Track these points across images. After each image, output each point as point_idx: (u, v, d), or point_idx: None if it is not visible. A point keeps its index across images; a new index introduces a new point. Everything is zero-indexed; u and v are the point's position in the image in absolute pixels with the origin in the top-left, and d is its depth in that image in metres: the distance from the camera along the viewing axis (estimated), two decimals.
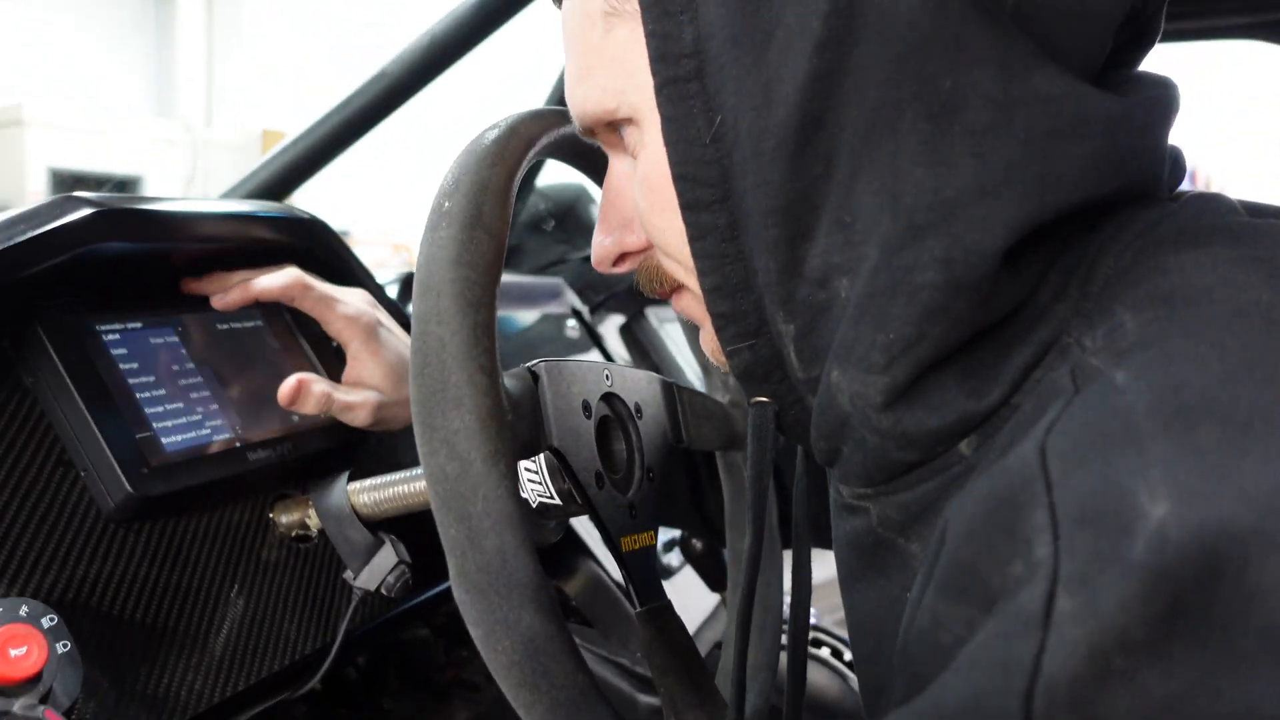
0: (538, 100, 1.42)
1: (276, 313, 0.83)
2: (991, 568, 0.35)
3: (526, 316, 1.38)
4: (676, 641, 0.62)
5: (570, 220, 1.54)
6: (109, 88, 8.59)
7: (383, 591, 0.72)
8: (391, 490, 0.71)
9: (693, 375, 1.51)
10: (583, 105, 0.53)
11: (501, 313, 1.19)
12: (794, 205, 0.45)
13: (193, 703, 0.65)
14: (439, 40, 1.08)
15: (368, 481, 0.72)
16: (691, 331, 0.77)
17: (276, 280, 0.75)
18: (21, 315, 0.65)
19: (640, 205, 0.53)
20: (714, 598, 1.19)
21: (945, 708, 0.34)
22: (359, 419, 0.76)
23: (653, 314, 1.53)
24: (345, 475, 0.73)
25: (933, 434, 0.45)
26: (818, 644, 1.13)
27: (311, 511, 0.74)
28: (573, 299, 1.37)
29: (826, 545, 0.79)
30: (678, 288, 0.56)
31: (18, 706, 0.51)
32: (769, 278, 0.47)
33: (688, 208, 0.48)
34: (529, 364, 0.57)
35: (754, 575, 0.56)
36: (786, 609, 0.70)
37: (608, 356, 1.45)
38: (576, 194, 1.57)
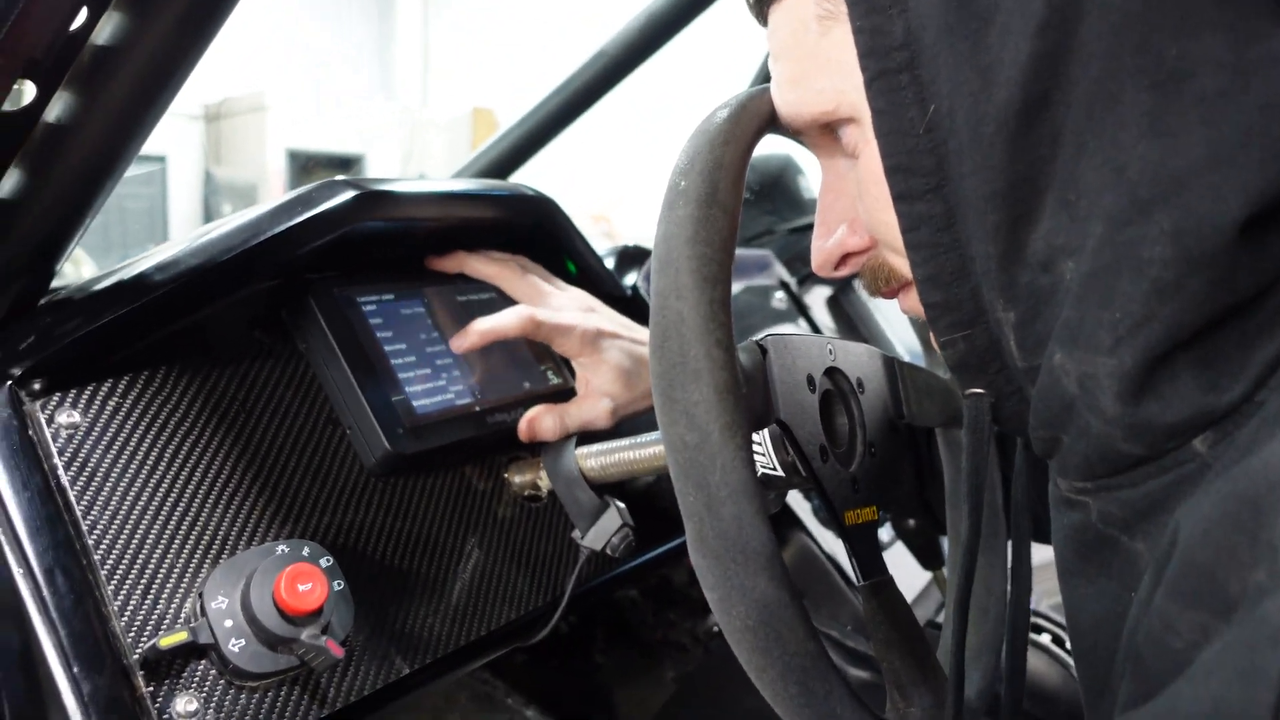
0: (740, 77, 1.42)
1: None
2: (1230, 573, 0.34)
3: (733, 288, 1.39)
4: (899, 617, 0.62)
5: (777, 192, 1.53)
6: (336, 73, 9.23)
7: (607, 551, 0.76)
8: (618, 456, 0.74)
9: (903, 349, 1.48)
10: (798, 108, 0.53)
11: None
12: (1016, 188, 0.44)
13: (437, 645, 0.71)
14: (656, 18, 1.10)
15: (595, 447, 0.76)
16: (917, 320, 0.77)
17: (508, 321, 0.79)
18: (297, 288, 0.72)
19: (864, 202, 0.53)
20: (925, 576, 1.17)
21: (1180, 714, 0.33)
22: (600, 425, 0.82)
23: (861, 286, 1.50)
24: (574, 440, 0.77)
25: (1165, 429, 0.43)
26: (1039, 630, 1.09)
27: (543, 473, 0.79)
28: (780, 271, 1.37)
29: (1045, 540, 0.76)
30: (905, 284, 0.56)
31: (305, 635, 0.58)
32: (988, 264, 0.46)
33: (900, 198, 0.48)
34: (757, 338, 0.58)
35: (971, 568, 0.55)
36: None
37: (815, 329, 1.44)
38: (783, 165, 1.56)
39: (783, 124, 0.56)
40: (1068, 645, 1.09)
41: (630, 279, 1.09)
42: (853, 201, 0.56)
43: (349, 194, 0.69)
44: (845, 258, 0.58)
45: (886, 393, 0.71)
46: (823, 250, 0.58)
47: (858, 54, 0.47)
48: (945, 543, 1.12)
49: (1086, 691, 0.54)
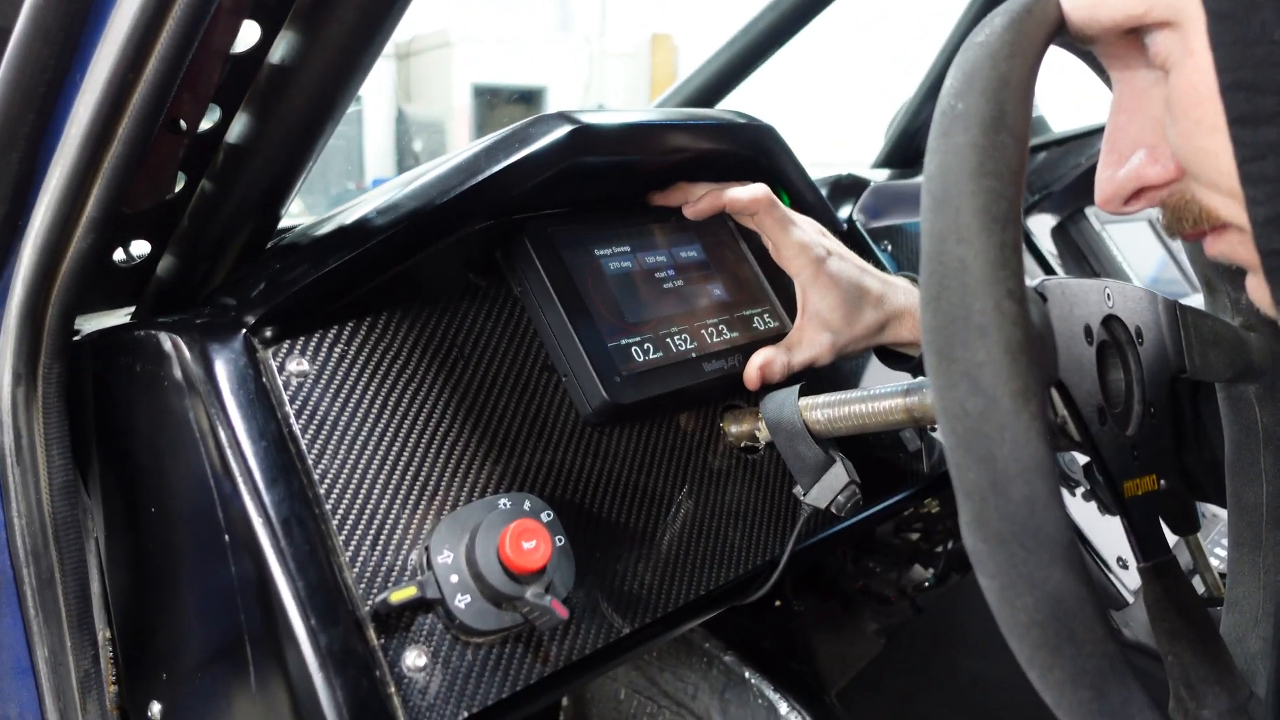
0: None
1: (725, 233, 0.83)
2: None
3: None
4: (1186, 603, 0.54)
5: None
6: (516, 6, 9.33)
7: (832, 510, 0.71)
8: (848, 409, 0.68)
9: (1141, 285, 1.33)
10: (1098, 9, 0.45)
11: (911, 219, 1.12)
12: None
13: (656, 604, 0.68)
14: None
15: (821, 398, 0.70)
16: (1202, 254, 0.66)
17: (746, 191, 0.76)
18: (511, 229, 0.70)
19: (1176, 126, 0.44)
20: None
21: None
22: (822, 364, 0.77)
23: (1093, 214, 1.36)
24: (796, 390, 0.71)
25: None
26: None
27: (761, 424, 0.74)
28: None
29: None
30: (1221, 226, 0.46)
31: (529, 594, 0.56)
32: None
33: (1239, 122, 0.39)
34: (1035, 284, 0.51)
35: None
36: None
37: (1040, 260, 1.31)
38: None
39: (1074, 31, 0.47)
40: None
41: (845, 211, 1.02)
42: (1155, 124, 0.47)
43: (565, 128, 0.65)
44: (1141, 191, 0.49)
45: (1168, 343, 0.62)
46: (1113, 180, 0.49)
47: None
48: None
49: None
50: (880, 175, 1.14)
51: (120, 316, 0.74)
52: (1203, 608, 0.55)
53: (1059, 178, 1.33)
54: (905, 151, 1.36)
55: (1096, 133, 1.43)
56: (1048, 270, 1.29)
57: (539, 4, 9.56)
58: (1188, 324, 0.63)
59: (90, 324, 0.72)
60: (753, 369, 0.75)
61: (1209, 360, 0.64)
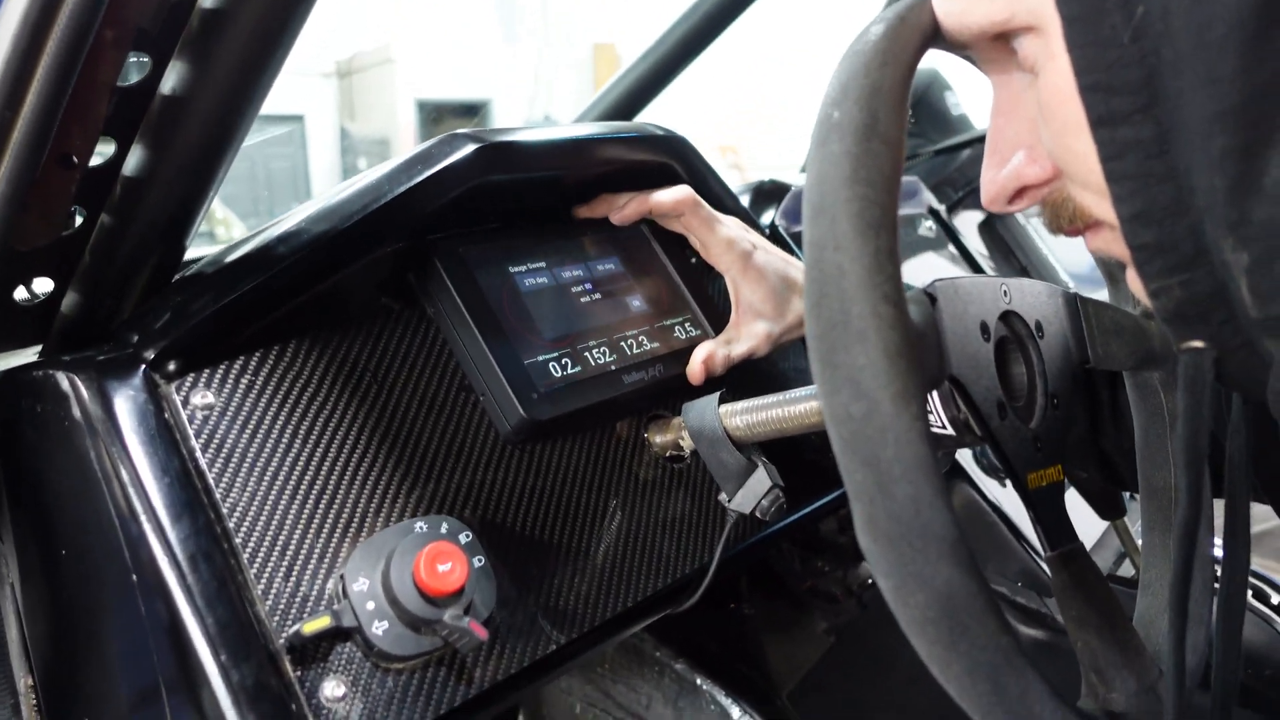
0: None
1: (643, 244, 0.83)
2: None
3: None
4: (1094, 590, 0.55)
5: (922, 110, 1.42)
6: (458, 21, 9.31)
7: (757, 515, 0.71)
8: (765, 414, 0.69)
9: (1067, 277, 1.36)
10: (965, 18, 0.46)
11: None
12: (1252, 105, 0.35)
13: (584, 617, 0.68)
14: None
15: (740, 404, 0.70)
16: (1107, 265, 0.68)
17: (670, 194, 0.78)
18: (422, 250, 0.69)
19: (1048, 127, 0.45)
20: (1101, 525, 1.08)
21: None
22: (760, 354, 0.79)
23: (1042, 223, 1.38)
24: (716, 397, 0.72)
25: None
26: (1261, 596, 0.99)
27: (684, 433, 0.75)
28: (928, 197, 1.27)
29: (1260, 499, 0.66)
30: (1094, 224, 0.48)
31: (447, 616, 0.56)
32: (1212, 198, 0.38)
33: (1100, 123, 0.40)
34: (925, 286, 0.51)
35: (1191, 547, 0.48)
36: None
37: (967, 257, 1.33)
38: (929, 80, 1.44)
39: (947, 37, 0.48)
40: (1274, 601, 0.99)
41: (767, 217, 1.03)
42: (1031, 125, 0.48)
43: (469, 148, 0.65)
44: (1022, 191, 0.50)
45: (1069, 335, 0.63)
46: (995, 182, 0.50)
47: None
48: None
49: None
50: (801, 180, 1.15)
51: (28, 355, 0.72)
52: (1110, 593, 0.56)
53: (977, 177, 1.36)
54: None
55: None
56: (975, 268, 1.31)
57: (482, 18, 9.55)
58: (1089, 315, 0.64)
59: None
60: (695, 364, 0.77)
61: (1111, 350, 0.65)
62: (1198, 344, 0.44)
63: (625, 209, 0.79)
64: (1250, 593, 0.98)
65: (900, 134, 0.44)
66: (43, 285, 0.68)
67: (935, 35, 0.48)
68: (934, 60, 1.44)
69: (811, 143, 0.45)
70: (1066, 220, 0.48)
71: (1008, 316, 0.58)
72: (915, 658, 0.97)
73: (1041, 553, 1.06)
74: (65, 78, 0.53)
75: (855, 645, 1.19)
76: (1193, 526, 0.45)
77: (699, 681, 1.20)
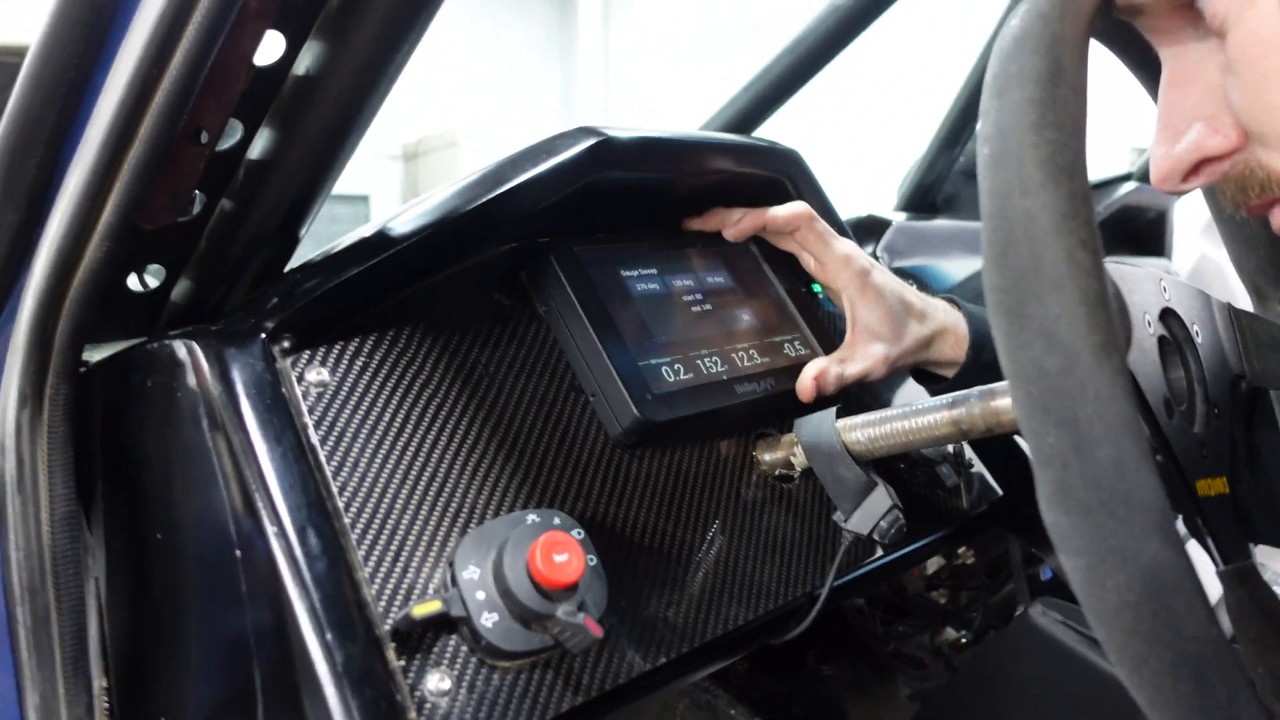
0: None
1: (751, 261, 0.82)
2: None
3: (963, 267, 1.27)
4: (1273, 610, 0.50)
5: None
6: (522, 107, 9.59)
7: (874, 537, 0.67)
8: (890, 426, 0.65)
9: None
10: None
11: (935, 260, 1.10)
12: None
13: (690, 634, 0.64)
14: None
15: (860, 418, 0.67)
16: (1251, 257, 0.64)
17: (786, 209, 0.76)
18: (536, 248, 0.68)
19: (1240, 86, 0.42)
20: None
21: None
22: (875, 378, 0.76)
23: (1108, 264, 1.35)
24: (833, 412, 0.69)
25: None
26: None
27: (797, 449, 0.71)
28: None
29: None
30: None
31: (561, 611, 0.52)
32: None
33: None
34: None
35: None
36: None
37: None
38: None
39: (1120, 2, 0.46)
40: None
41: (867, 251, 1.00)
42: (1212, 94, 0.45)
43: (591, 140, 0.64)
44: (1201, 164, 0.47)
45: (1224, 346, 0.59)
46: (1170, 157, 0.47)
47: None
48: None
49: None
50: (900, 217, 1.14)
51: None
52: None
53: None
54: (920, 204, 1.35)
55: (1110, 183, 1.43)
56: None
57: (544, 100, 9.83)
58: (1243, 327, 0.60)
59: (101, 354, 0.70)
60: (806, 379, 0.73)
61: (1269, 365, 0.61)
62: None
63: (741, 223, 0.77)
64: None
65: (1084, 84, 0.42)
66: (155, 278, 0.67)
67: (1108, 2, 0.46)
68: None
69: (985, 99, 0.43)
70: (1255, 192, 0.45)
71: (1166, 315, 0.55)
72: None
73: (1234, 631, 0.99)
74: (210, 43, 0.53)
75: (946, 712, 1.11)
76: None
77: None
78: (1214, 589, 0.58)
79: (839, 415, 0.69)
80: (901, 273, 1.01)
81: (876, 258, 0.99)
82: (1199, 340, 0.57)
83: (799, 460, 0.71)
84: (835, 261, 0.76)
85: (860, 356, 0.75)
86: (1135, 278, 0.51)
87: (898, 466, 0.82)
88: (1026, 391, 0.38)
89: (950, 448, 0.83)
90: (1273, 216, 0.46)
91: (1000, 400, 0.62)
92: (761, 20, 6.83)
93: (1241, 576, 0.50)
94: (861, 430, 0.66)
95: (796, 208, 0.76)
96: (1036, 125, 0.39)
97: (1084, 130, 0.41)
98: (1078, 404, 0.37)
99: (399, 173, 9.50)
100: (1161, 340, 0.54)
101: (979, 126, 0.42)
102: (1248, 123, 0.43)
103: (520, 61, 9.70)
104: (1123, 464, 0.36)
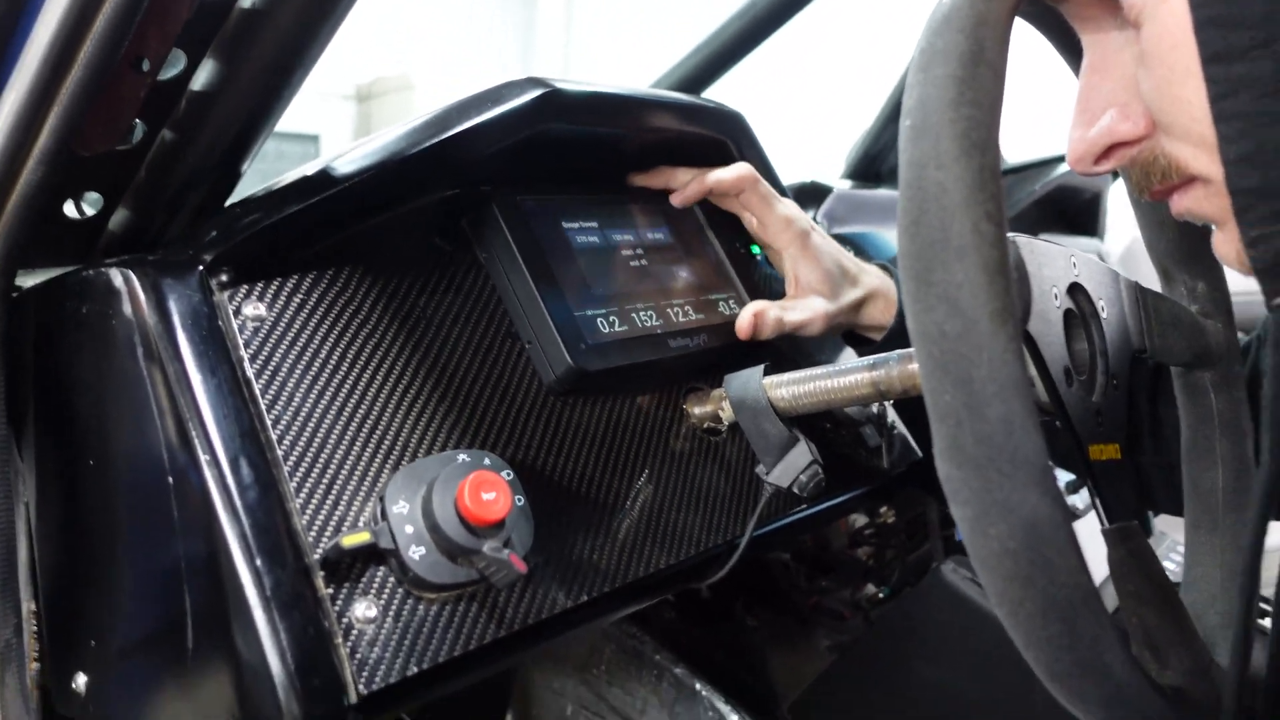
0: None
1: (691, 219, 0.83)
2: None
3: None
4: (1151, 567, 0.54)
5: None
6: (480, 52, 9.42)
7: (794, 489, 0.70)
8: (812, 385, 0.68)
9: None
10: None
11: (875, 228, 1.13)
12: None
13: (613, 575, 0.66)
14: None
15: (785, 376, 0.70)
16: (1162, 238, 0.67)
17: (730, 171, 0.78)
18: (479, 197, 0.69)
19: (1150, 77, 0.45)
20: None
21: None
22: (812, 332, 0.78)
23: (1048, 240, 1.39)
24: (761, 369, 0.71)
25: None
26: (1263, 614, 0.98)
27: (725, 404, 0.74)
28: None
29: None
30: (1188, 180, 0.47)
31: (487, 546, 0.54)
32: None
33: (1212, 60, 0.40)
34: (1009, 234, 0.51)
35: (1266, 513, 0.47)
36: None
37: None
38: None
39: None
40: None
41: (809, 215, 1.03)
42: (1126, 82, 0.48)
43: (537, 91, 0.65)
44: (1111, 149, 0.49)
45: (1128, 321, 0.62)
46: (1084, 140, 0.50)
47: None
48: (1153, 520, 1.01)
49: None
50: (843, 185, 1.16)
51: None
52: (1164, 574, 0.55)
53: (1012, 204, 1.36)
54: (865, 173, 1.38)
55: (1048, 163, 1.47)
56: None
57: (502, 48, 9.66)
58: (1148, 305, 0.64)
59: (35, 280, 0.70)
60: (746, 315, 0.75)
61: (1168, 342, 0.64)
62: None
63: (687, 190, 0.79)
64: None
65: (1003, 65, 0.44)
66: (92, 204, 0.67)
67: None
68: None
69: (911, 71, 0.45)
70: (1158, 178, 0.48)
71: (1074, 290, 0.58)
72: (926, 674, 0.95)
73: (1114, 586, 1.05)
74: None
75: (861, 662, 1.16)
76: (1275, 484, 0.44)
77: (698, 687, 1.17)
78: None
79: (766, 373, 0.71)
80: (841, 239, 1.04)
81: (817, 223, 1.01)
82: (1104, 315, 0.60)
83: (726, 414, 0.74)
84: (777, 222, 0.78)
85: (800, 308, 0.78)
86: (1047, 252, 0.54)
87: (824, 426, 0.85)
88: (928, 352, 0.40)
89: (874, 409, 0.86)
90: (1173, 202, 0.49)
91: (915, 364, 0.65)
92: None
93: (1124, 535, 0.53)
94: (786, 388, 0.69)
95: (740, 169, 0.78)
96: (955, 102, 0.42)
97: (1000, 108, 0.43)
98: (973, 365, 0.39)
99: (351, 113, 9.29)
100: (1068, 313, 0.57)
101: (904, 99, 0.45)
102: (1156, 112, 0.46)
103: (481, 6, 9.51)
104: (1010, 423, 0.39)
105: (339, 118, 9.00)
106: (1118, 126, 0.48)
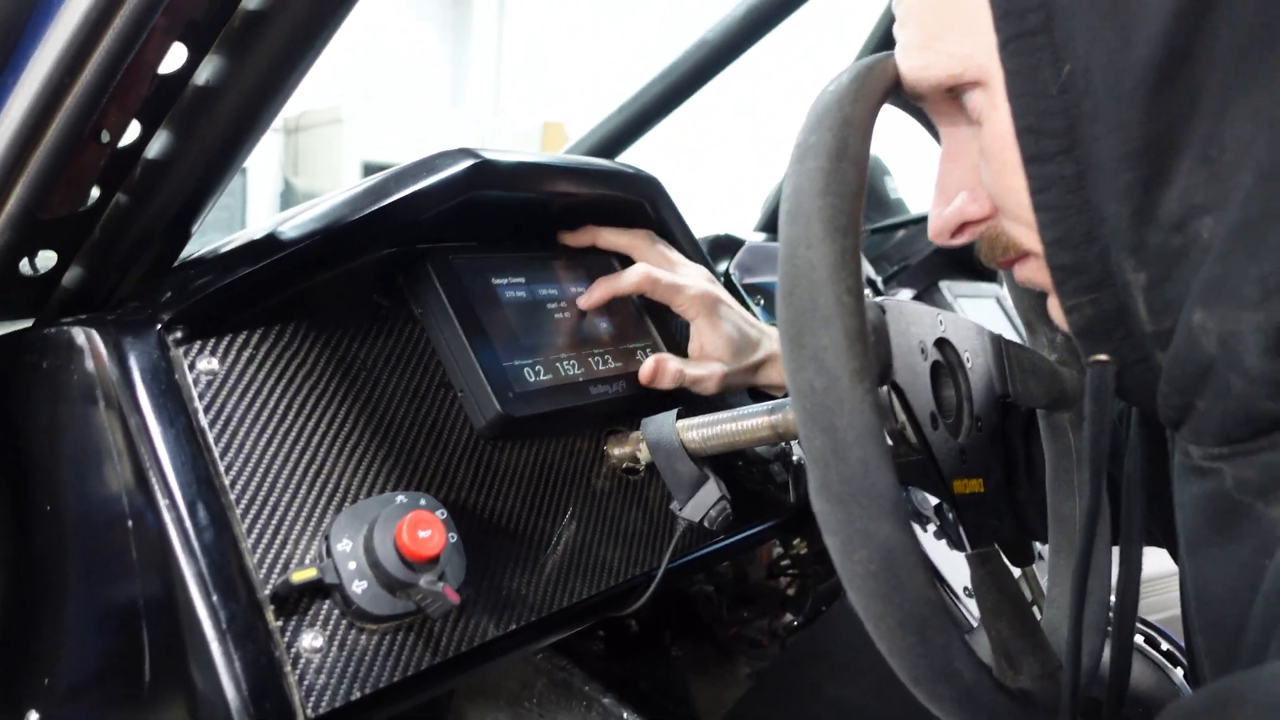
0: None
1: (611, 273, 0.90)
2: None
3: None
4: (1007, 586, 0.62)
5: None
6: (410, 87, 9.44)
7: (705, 524, 0.77)
8: (720, 428, 0.75)
9: None
10: (925, 73, 0.54)
11: (773, 277, 1.22)
12: (1152, 146, 0.44)
13: (540, 605, 0.72)
14: (758, 7, 1.12)
15: (696, 419, 0.77)
16: (1025, 298, 0.76)
17: (629, 280, 0.84)
18: (414, 255, 0.75)
19: (989, 168, 0.53)
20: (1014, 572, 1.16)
21: None
22: (708, 389, 0.85)
23: (946, 288, 1.50)
24: (675, 413, 0.78)
25: None
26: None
27: (642, 445, 0.80)
28: (866, 269, 1.37)
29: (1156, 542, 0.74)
30: (1023, 255, 0.56)
31: (423, 580, 0.60)
32: (1119, 225, 0.46)
33: (1031, 160, 0.48)
34: (876, 299, 0.59)
35: (1091, 538, 0.55)
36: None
37: None
38: (870, 166, 1.56)
39: (907, 89, 0.57)
40: (1163, 647, 1.07)
41: (721, 267, 1.11)
42: (973, 169, 0.56)
43: (468, 162, 0.72)
44: (964, 226, 0.58)
45: (993, 369, 0.71)
46: (941, 218, 0.58)
47: (993, 16, 0.48)
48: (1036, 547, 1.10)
49: (1212, 663, 0.54)
50: (757, 238, 1.25)
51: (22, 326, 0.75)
52: (1020, 591, 0.63)
53: (916, 252, 1.47)
54: (777, 225, 1.47)
55: None
56: None
57: (433, 86, 9.71)
58: (1010, 355, 0.73)
59: None
60: (649, 364, 0.82)
61: (1029, 388, 0.73)
62: (1103, 357, 0.52)
63: (592, 296, 0.85)
64: (1142, 638, 1.07)
65: (865, 159, 0.52)
66: (46, 261, 0.71)
67: (897, 86, 0.57)
68: (876, 148, 1.57)
69: (789, 162, 0.52)
70: (1000, 251, 0.56)
71: (942, 344, 0.66)
72: (838, 693, 1.05)
73: (956, 593, 1.13)
74: (122, 57, 0.58)
75: (777, 686, 1.23)
76: (1094, 515, 0.52)
77: (625, 715, 1.23)
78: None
79: (679, 417, 0.78)
80: (751, 288, 1.12)
81: (729, 274, 1.09)
82: (970, 365, 0.68)
83: (644, 455, 0.81)
84: (684, 301, 0.86)
85: (701, 365, 0.85)
86: (914, 312, 0.62)
87: (736, 464, 0.92)
88: (801, 405, 0.48)
89: (782, 447, 0.94)
90: (1015, 272, 0.58)
91: None
92: (656, 11, 6.96)
93: (983, 559, 0.61)
94: (696, 430, 0.76)
95: (635, 276, 0.84)
96: (822, 191, 0.49)
97: (861, 197, 0.51)
98: (836, 416, 0.47)
99: (279, 146, 9.22)
100: (936, 365, 0.66)
101: (784, 187, 0.52)
102: (994, 197, 0.54)
103: (412, 42, 9.55)
104: (867, 464, 0.46)
105: (267, 151, 8.93)
106: (968, 208, 0.57)
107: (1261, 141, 0.41)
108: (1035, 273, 0.55)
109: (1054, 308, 0.56)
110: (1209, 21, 0.42)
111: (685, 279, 0.87)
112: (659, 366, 0.82)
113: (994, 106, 0.50)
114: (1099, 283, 0.49)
